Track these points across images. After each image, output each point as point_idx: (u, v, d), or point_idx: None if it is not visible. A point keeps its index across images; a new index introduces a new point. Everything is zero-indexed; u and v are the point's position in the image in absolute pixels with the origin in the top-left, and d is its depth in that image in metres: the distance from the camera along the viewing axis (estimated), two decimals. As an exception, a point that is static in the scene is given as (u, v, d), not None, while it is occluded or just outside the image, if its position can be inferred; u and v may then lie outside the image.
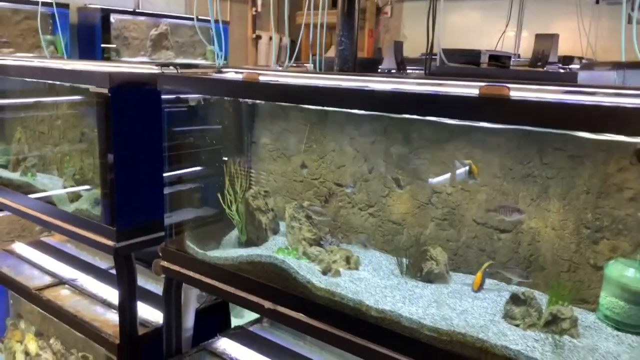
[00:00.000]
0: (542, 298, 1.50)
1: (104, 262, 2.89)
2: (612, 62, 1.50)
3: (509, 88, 1.24)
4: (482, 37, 5.41)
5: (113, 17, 5.05)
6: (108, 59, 4.96)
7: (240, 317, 2.66)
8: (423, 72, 2.92)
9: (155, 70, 2.27)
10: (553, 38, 2.83)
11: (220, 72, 2.06)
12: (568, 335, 1.34)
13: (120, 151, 2.11)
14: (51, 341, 2.79)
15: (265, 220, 1.91)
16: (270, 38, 6.23)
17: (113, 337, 2.25)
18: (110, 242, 2.15)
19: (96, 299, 2.57)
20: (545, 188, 1.55)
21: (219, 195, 1.98)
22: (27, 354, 2.89)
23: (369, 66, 2.72)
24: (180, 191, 2.16)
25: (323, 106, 1.70)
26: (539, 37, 2.95)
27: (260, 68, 1.96)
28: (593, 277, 1.50)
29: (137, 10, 5.40)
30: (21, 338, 2.96)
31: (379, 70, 3.11)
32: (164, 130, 2.01)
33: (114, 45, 5.27)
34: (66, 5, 4.70)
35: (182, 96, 2.07)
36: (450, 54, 2.49)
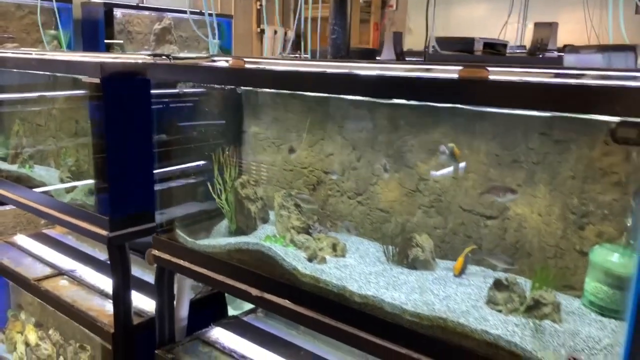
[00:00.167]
0: (527, 284, 1.49)
1: (103, 254, 2.92)
2: (598, 45, 1.48)
3: (488, 70, 1.23)
4: (488, 29, 5.37)
5: (116, 12, 5.07)
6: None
7: (240, 310, 2.66)
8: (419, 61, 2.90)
9: (147, 59, 2.28)
10: (552, 26, 2.80)
11: (212, 60, 2.06)
12: (550, 320, 1.33)
13: (112, 141, 2.12)
14: (50, 332, 2.83)
15: (254, 209, 1.91)
16: (275, 32, 6.23)
17: (108, 326, 2.27)
18: (103, 232, 2.17)
19: (93, 289, 2.59)
20: (532, 174, 1.53)
21: (209, 184, 1.99)
22: (27, 344, 2.93)
23: (366, 56, 2.71)
24: (172, 180, 2.16)
25: (304, 91, 1.69)
26: (537, 25, 2.92)
27: (251, 57, 1.97)
28: (579, 263, 1.49)
29: (140, 5, 5.42)
30: (22, 329, 3.00)
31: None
32: (154, 119, 2.02)
33: (120, 41, 5.30)
34: (69, 0, 4.73)
35: (174, 86, 2.08)
36: (444, 42, 2.47)
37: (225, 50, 6.05)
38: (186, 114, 2.20)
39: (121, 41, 5.33)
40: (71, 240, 3.15)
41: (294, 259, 1.67)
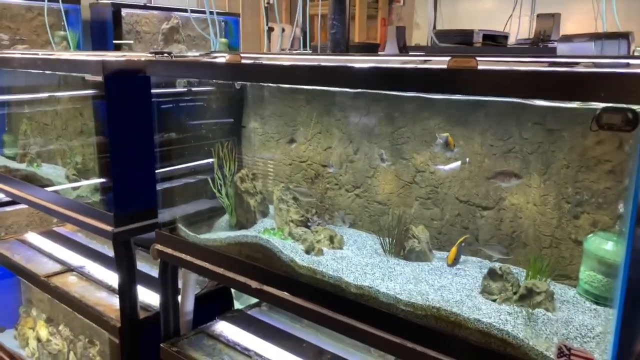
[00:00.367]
0: (523, 274, 1.49)
1: (111, 250, 2.96)
2: (591, 34, 1.48)
3: (477, 60, 1.23)
4: (496, 22, 5.34)
5: (124, 12, 5.12)
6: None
7: (247, 304, 2.69)
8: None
9: (149, 57, 2.31)
10: (554, 17, 2.78)
11: (211, 57, 2.09)
12: (543, 309, 1.33)
13: (116, 138, 2.15)
14: (60, 327, 2.88)
15: (253, 202, 1.93)
16: (283, 29, 6.23)
17: (115, 320, 2.31)
18: (108, 228, 2.20)
19: (101, 284, 2.63)
20: (526, 163, 1.53)
21: (209, 179, 2.01)
22: (38, 340, 2.98)
23: (367, 51, 2.72)
24: (174, 176, 2.19)
25: (296, 84, 1.71)
26: (540, 17, 2.90)
27: (248, 52, 1.99)
28: (575, 252, 1.49)
29: (148, 5, 5.46)
30: (33, 325, 3.06)
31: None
32: (156, 116, 2.05)
33: (130, 42, 5.35)
34: (77, 1, 4.79)
35: (174, 82, 2.11)
36: (444, 35, 2.47)
37: (233, 48, 6.08)
38: (188, 110, 2.23)
39: (131, 41, 5.39)
40: (80, 237, 3.20)
41: (292, 251, 1.69)
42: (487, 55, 1.41)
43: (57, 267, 2.81)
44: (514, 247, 1.58)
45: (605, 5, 1.41)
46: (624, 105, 1.01)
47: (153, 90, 2.04)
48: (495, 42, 2.56)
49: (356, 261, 1.64)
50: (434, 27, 4.04)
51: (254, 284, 1.74)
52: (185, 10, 5.64)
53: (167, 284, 2.15)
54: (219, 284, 2.46)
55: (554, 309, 1.34)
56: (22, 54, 2.82)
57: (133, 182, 2.20)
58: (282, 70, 1.56)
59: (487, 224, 1.62)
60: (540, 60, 1.40)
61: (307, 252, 1.69)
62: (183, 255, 1.98)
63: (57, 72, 2.49)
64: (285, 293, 1.65)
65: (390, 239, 1.70)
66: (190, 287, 2.25)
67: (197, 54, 2.16)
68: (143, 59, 2.19)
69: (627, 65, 1.25)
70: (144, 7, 5.38)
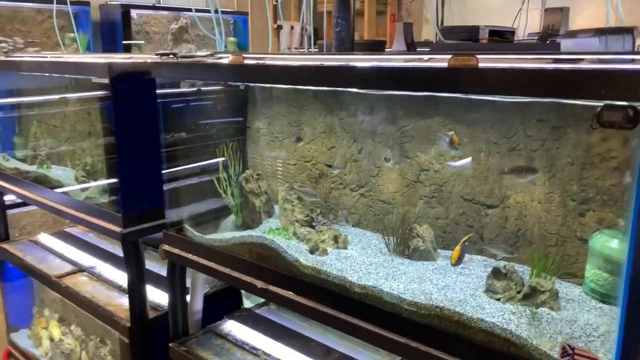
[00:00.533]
0: (528, 272, 1.48)
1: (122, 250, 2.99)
2: (595, 29, 1.46)
3: (477, 58, 1.22)
4: (506, 16, 5.29)
5: (133, 13, 5.14)
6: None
7: (257, 304, 2.70)
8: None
9: (154, 59, 2.32)
10: (562, 11, 2.75)
11: (215, 57, 2.09)
12: (547, 308, 1.32)
13: (123, 140, 2.17)
14: (72, 327, 2.91)
15: (258, 203, 1.94)
16: (292, 27, 6.23)
17: (125, 320, 2.33)
18: (117, 229, 2.23)
19: (112, 285, 2.66)
20: (530, 161, 1.52)
21: (215, 180, 2.02)
22: (51, 339, 3.02)
23: (374, 49, 2.70)
24: (180, 177, 2.20)
25: (298, 84, 1.71)
26: (548, 11, 2.87)
27: (252, 53, 1.99)
28: (580, 250, 1.47)
29: (156, 5, 5.49)
30: (46, 325, 3.10)
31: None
32: (162, 118, 2.06)
33: (140, 42, 5.38)
34: (87, 3, 4.83)
35: (179, 82, 2.12)
36: (449, 31, 2.45)
37: (242, 47, 6.09)
38: (193, 111, 2.24)
39: (141, 42, 5.42)
40: (91, 237, 3.23)
41: (296, 251, 1.69)
42: (491, 52, 1.40)
43: (69, 268, 2.84)
44: (519, 245, 1.57)
45: (609, 0, 1.39)
46: (625, 103, 1.00)
47: (158, 91, 2.05)
48: (502, 37, 2.54)
49: (360, 261, 1.64)
50: (441, 24, 4.02)
51: (259, 284, 1.74)
52: (192, 10, 5.67)
53: (175, 284, 2.16)
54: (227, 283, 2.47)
55: (558, 307, 1.33)
56: (31, 57, 2.86)
57: (140, 183, 2.22)
58: (283, 71, 1.56)
59: (492, 222, 1.61)
60: (543, 57, 1.38)
61: (312, 251, 1.70)
62: (190, 256, 1.99)
63: (64, 75, 2.51)
64: (290, 293, 1.65)
65: (395, 238, 1.69)
66: (199, 287, 2.26)
67: (203, 54, 2.17)
68: (149, 60, 2.20)
69: (632, 61, 1.23)
70: (153, 7, 5.41)
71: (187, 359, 2.03)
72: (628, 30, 1.40)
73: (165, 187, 2.13)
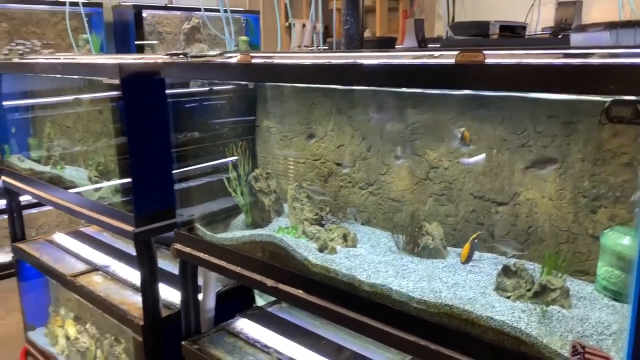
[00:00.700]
0: (539, 270, 1.46)
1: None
2: (606, 23, 1.43)
3: (484, 54, 1.21)
4: (520, 11, 5.24)
5: (145, 13, 5.18)
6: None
7: (268, 302, 2.71)
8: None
9: (165, 59, 2.33)
10: (575, 5, 2.70)
11: (224, 57, 2.10)
12: (558, 306, 1.31)
13: (134, 139, 2.18)
14: (87, 326, 2.94)
15: (267, 202, 1.94)
16: (304, 25, 6.21)
17: (138, 319, 2.35)
18: (129, 228, 2.25)
19: (126, 283, 2.68)
20: (541, 157, 1.50)
21: (225, 179, 2.03)
22: (67, 338, 3.06)
23: (384, 46, 2.69)
24: (190, 176, 2.21)
25: (305, 83, 1.71)
26: (560, 5, 2.82)
27: (263, 52, 1.99)
28: (592, 247, 1.45)
29: (168, 5, 5.52)
30: (62, 323, 3.14)
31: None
32: (172, 117, 2.07)
33: (153, 42, 5.42)
34: (99, 4, 4.87)
35: (189, 82, 2.13)
36: (459, 27, 2.43)
37: (254, 45, 6.11)
38: (202, 110, 2.25)
39: (154, 42, 5.46)
40: (106, 237, 3.27)
41: (305, 249, 1.69)
42: (500, 48, 1.38)
43: (83, 267, 2.88)
44: (530, 242, 1.55)
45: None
46: (634, 98, 0.98)
47: (168, 91, 2.06)
48: (513, 33, 2.51)
49: (369, 259, 1.64)
50: (453, 19, 3.98)
51: (269, 282, 1.75)
52: (206, 10, 5.69)
53: (187, 283, 2.18)
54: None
55: (569, 305, 1.32)
56: (44, 58, 2.89)
57: (152, 183, 2.24)
58: (290, 70, 1.56)
59: (502, 219, 1.60)
60: (552, 52, 1.36)
61: (321, 250, 1.70)
62: (201, 254, 2.00)
63: (77, 77, 2.54)
64: (300, 291, 1.66)
65: (404, 236, 1.68)
66: (211, 285, 2.27)
67: (213, 54, 2.17)
68: (159, 61, 2.22)
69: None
70: (165, 7, 5.44)
71: (199, 357, 2.05)
72: (639, 24, 1.37)
73: (176, 186, 2.14)
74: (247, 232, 1.89)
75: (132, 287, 2.64)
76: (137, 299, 2.49)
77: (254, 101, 2.24)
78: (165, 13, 5.38)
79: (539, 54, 1.36)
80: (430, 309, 1.38)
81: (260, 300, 2.61)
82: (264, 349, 2.07)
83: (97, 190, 2.53)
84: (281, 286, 1.71)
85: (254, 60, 1.69)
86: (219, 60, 1.85)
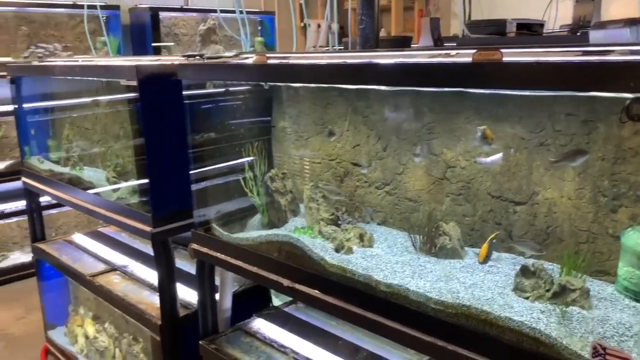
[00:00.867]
0: (558, 270, 1.45)
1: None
2: (625, 19, 1.41)
3: (501, 52, 1.20)
4: (538, 8, 5.19)
5: (162, 15, 5.23)
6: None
7: (284, 302, 2.71)
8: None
9: (181, 60, 2.35)
10: (594, 2, 2.67)
11: (240, 58, 2.11)
12: (578, 307, 1.29)
13: (151, 140, 2.20)
14: (106, 325, 2.97)
15: (284, 202, 1.95)
16: (319, 25, 6.21)
17: (156, 318, 2.37)
18: (147, 228, 2.26)
19: (144, 283, 2.70)
20: (559, 156, 1.48)
21: (241, 179, 2.03)
22: (86, 337, 3.09)
23: (399, 45, 2.68)
24: (207, 176, 2.22)
25: (320, 82, 1.71)
26: (579, 2, 2.79)
27: (279, 52, 2.00)
28: (613, 247, 1.43)
29: (184, 7, 5.56)
30: (81, 323, 3.17)
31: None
32: (187, 118, 2.08)
33: (170, 44, 5.47)
34: (117, 7, 4.92)
35: (205, 83, 2.14)
36: (475, 26, 2.41)
37: (269, 46, 6.13)
38: (218, 111, 2.26)
39: (170, 44, 5.50)
40: (124, 237, 3.30)
41: (322, 250, 1.69)
42: (517, 46, 1.37)
43: (102, 267, 2.91)
44: (549, 242, 1.53)
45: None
46: (656, 95, 0.97)
47: (185, 92, 2.08)
48: (530, 30, 2.48)
49: (386, 259, 1.63)
50: (469, 18, 3.96)
51: (285, 282, 1.75)
52: (221, 11, 5.72)
53: (204, 283, 2.19)
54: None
55: (589, 306, 1.30)
56: (62, 61, 2.93)
57: (169, 183, 2.25)
58: (306, 70, 1.56)
59: (521, 219, 1.58)
60: (571, 49, 1.35)
61: (337, 250, 1.69)
62: (218, 254, 2.01)
63: (95, 79, 2.57)
64: (316, 291, 1.66)
65: (421, 237, 1.68)
66: (227, 285, 2.28)
67: (228, 55, 2.18)
68: (176, 62, 2.23)
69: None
70: (181, 9, 5.49)
71: (217, 357, 2.06)
72: (660, 20, 1.35)
73: (193, 186, 2.15)
74: (264, 232, 1.90)
75: (150, 287, 2.66)
76: (155, 298, 2.51)
77: (270, 101, 2.25)
78: (181, 15, 5.43)
79: (557, 51, 1.34)
80: (447, 310, 1.38)
81: (276, 300, 2.61)
82: (281, 349, 2.07)
83: (115, 191, 2.55)
84: (298, 286, 1.72)
85: (269, 61, 1.69)
86: (235, 61, 1.85)
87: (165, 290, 2.32)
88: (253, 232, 1.96)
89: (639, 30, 1.36)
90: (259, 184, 2.00)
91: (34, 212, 3.29)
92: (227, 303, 2.31)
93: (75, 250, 3.19)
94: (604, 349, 1.14)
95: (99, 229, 3.53)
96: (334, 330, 2.16)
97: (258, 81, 2.00)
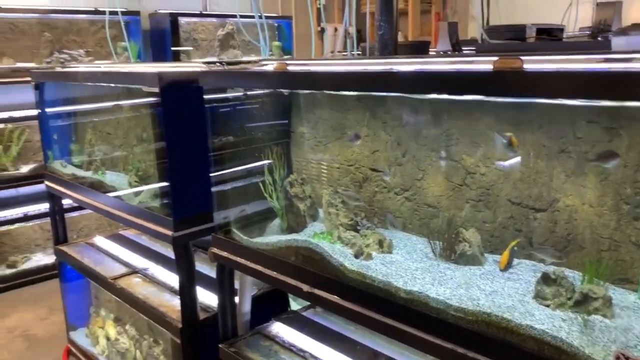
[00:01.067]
0: (579, 277, 1.44)
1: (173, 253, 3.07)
2: (648, 26, 1.40)
3: (522, 60, 1.20)
4: (557, 12, 5.14)
5: (181, 21, 5.29)
6: (178, 62, 5.21)
7: (303, 306, 2.72)
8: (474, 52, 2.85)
9: (203, 67, 2.38)
10: (615, 5, 2.64)
11: (260, 65, 2.13)
12: (600, 315, 1.29)
13: (173, 146, 2.23)
14: (127, 327, 3.01)
15: (303, 207, 1.96)
16: (335, 29, 6.24)
17: (176, 321, 2.39)
18: (168, 232, 2.29)
19: (164, 286, 2.73)
20: (581, 163, 1.48)
21: (260, 184, 2.05)
22: (108, 338, 3.14)
23: (417, 50, 2.68)
24: (227, 181, 2.25)
25: (340, 90, 1.72)
26: (600, 5, 2.77)
27: (295, 59, 2.02)
28: (635, 255, 1.42)
29: (203, 12, 5.62)
30: (102, 324, 3.22)
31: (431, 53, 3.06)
32: (210, 124, 2.11)
33: (188, 49, 5.53)
34: (137, 13, 4.99)
35: (226, 91, 2.17)
36: (494, 31, 2.40)
37: (286, 50, 6.16)
38: (238, 116, 2.29)
39: (189, 48, 5.56)
40: (144, 240, 3.33)
41: (341, 255, 1.70)
42: (538, 53, 1.37)
43: (123, 269, 2.95)
44: (570, 249, 1.53)
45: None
46: (680, 104, 0.96)
47: (204, 96, 2.10)
48: (550, 35, 2.46)
49: (406, 265, 1.64)
50: (487, 22, 3.94)
51: (305, 287, 1.76)
52: (240, 16, 5.77)
53: (224, 286, 2.21)
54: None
55: (612, 315, 1.29)
56: (85, 67, 2.98)
57: (190, 188, 2.28)
58: (327, 78, 1.57)
59: (541, 226, 1.58)
60: (593, 57, 1.34)
61: (356, 256, 1.70)
62: (238, 259, 2.03)
63: (117, 85, 2.61)
64: (336, 297, 1.67)
65: (441, 243, 1.68)
66: (247, 289, 2.30)
67: (248, 60, 2.20)
68: (197, 69, 2.26)
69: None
70: (200, 15, 5.55)
71: (236, 360, 2.08)
72: (684, 26, 1.34)
73: (213, 190, 2.18)
74: (283, 237, 1.91)
75: (170, 289, 2.68)
76: (175, 301, 2.54)
77: (289, 106, 2.27)
78: (200, 20, 5.49)
79: (579, 59, 1.34)
80: (468, 317, 1.38)
81: (294, 304, 2.63)
82: (300, 353, 2.09)
83: (137, 195, 2.59)
84: (317, 291, 1.73)
85: (289, 68, 1.71)
86: (256, 68, 1.87)
87: (186, 294, 2.35)
88: (272, 237, 1.98)
89: (662, 37, 1.35)
90: (278, 188, 2.02)
91: (57, 215, 3.34)
92: (247, 307, 2.33)
93: (97, 252, 3.24)
94: (627, 358, 1.14)
95: (120, 232, 3.58)
96: (352, 335, 2.16)
97: (278, 88, 2.02)
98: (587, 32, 3.70)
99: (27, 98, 3.55)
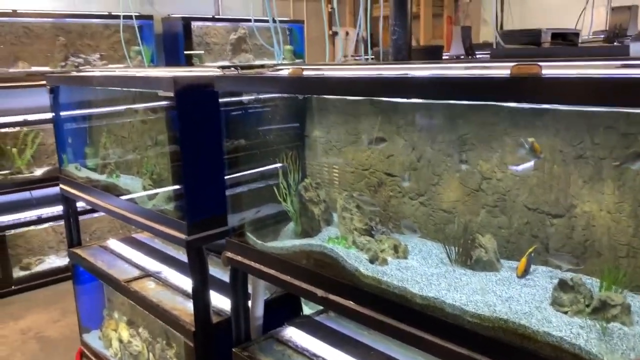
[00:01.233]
0: (596, 284, 1.43)
1: (186, 256, 3.08)
2: (667, 31, 1.39)
3: (540, 66, 1.20)
4: (570, 16, 5.11)
5: (194, 25, 5.32)
6: (191, 65, 5.25)
7: (316, 311, 2.72)
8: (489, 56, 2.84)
9: (217, 72, 2.39)
10: (631, 10, 2.62)
11: (275, 69, 2.14)
12: (619, 323, 1.27)
13: (187, 150, 2.24)
14: (140, 330, 3.03)
15: (317, 211, 1.96)
16: (347, 33, 6.25)
17: (189, 324, 2.40)
18: (182, 236, 2.30)
19: (177, 290, 2.74)
20: (598, 169, 1.47)
21: (275, 188, 2.06)
22: (120, 341, 3.15)
23: (431, 54, 2.68)
24: (241, 184, 2.25)
25: (354, 96, 1.72)
26: (615, 10, 2.75)
27: (310, 64, 2.02)
28: (655, 262, 1.41)
29: (215, 17, 5.65)
30: (115, 327, 3.23)
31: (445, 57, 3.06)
32: (223, 129, 2.12)
33: (201, 52, 5.57)
34: (150, 17, 5.03)
35: (241, 95, 2.18)
36: (509, 36, 2.40)
37: (298, 55, 6.18)
38: (252, 120, 2.29)
39: (201, 52, 5.60)
40: (157, 243, 3.35)
41: (356, 260, 1.70)
42: (555, 58, 1.36)
43: (136, 273, 2.96)
44: (587, 256, 1.52)
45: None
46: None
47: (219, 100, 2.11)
48: (565, 40, 2.45)
49: (421, 271, 1.63)
50: (501, 26, 3.93)
51: (319, 292, 1.76)
52: (250, 21, 5.81)
53: (237, 290, 2.22)
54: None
55: (631, 322, 1.28)
56: (100, 71, 3.01)
57: (204, 192, 2.29)
58: (342, 83, 1.57)
59: (558, 232, 1.57)
60: (611, 62, 1.34)
61: (371, 261, 1.70)
62: (252, 263, 2.04)
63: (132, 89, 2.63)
64: (350, 302, 1.66)
65: (456, 249, 1.67)
66: (260, 293, 2.31)
67: (261, 64, 2.21)
68: (212, 74, 2.27)
69: None
70: (213, 19, 5.58)
71: (249, 364, 2.08)
72: None
73: (227, 193, 2.18)
74: (297, 242, 1.91)
75: (183, 293, 2.69)
76: (188, 305, 2.55)
77: (303, 111, 2.27)
78: (212, 24, 5.52)
79: (597, 64, 1.33)
80: (484, 323, 1.37)
81: (306, 309, 2.63)
82: (313, 357, 2.08)
83: (150, 198, 2.60)
84: (331, 297, 1.73)
85: (305, 73, 1.71)
86: (271, 73, 1.88)
87: (199, 297, 2.36)
88: (286, 241, 1.98)
89: (682, 43, 1.34)
90: (292, 192, 2.02)
91: (71, 217, 3.37)
92: (260, 311, 2.33)
93: (110, 255, 3.26)
94: (647, 366, 1.13)
95: (133, 235, 3.60)
96: (365, 340, 2.16)
97: (294, 94, 2.03)
98: (601, 37, 3.68)
99: (42, 102, 3.59)
